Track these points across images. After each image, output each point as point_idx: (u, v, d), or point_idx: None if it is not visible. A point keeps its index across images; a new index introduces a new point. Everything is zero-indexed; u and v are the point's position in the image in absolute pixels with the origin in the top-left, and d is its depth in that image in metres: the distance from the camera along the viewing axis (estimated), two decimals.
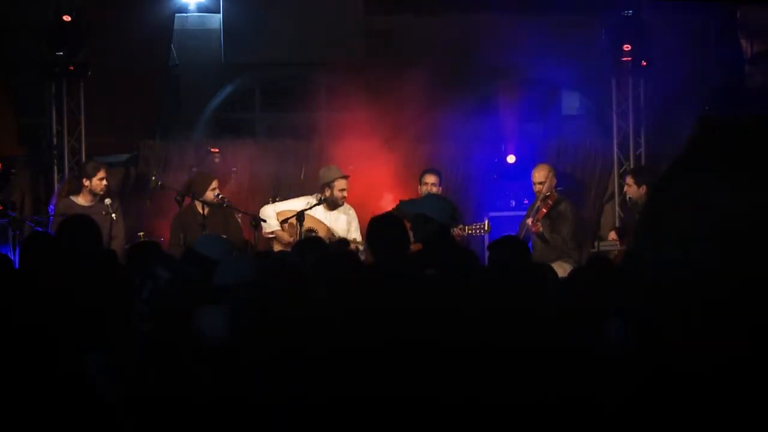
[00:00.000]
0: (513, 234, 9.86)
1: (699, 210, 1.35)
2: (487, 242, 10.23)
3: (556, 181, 9.97)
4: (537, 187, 9.90)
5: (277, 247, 9.46)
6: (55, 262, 4.33)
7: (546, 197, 9.75)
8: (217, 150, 10.81)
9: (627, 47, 11.17)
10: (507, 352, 3.47)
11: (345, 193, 9.65)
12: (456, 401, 3.31)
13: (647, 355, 1.45)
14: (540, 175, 9.94)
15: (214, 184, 9.56)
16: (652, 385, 1.44)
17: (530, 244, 9.71)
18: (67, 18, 10.58)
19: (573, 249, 9.54)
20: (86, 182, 9.51)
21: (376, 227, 6.14)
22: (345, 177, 9.69)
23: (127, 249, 7.19)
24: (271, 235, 9.63)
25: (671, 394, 1.45)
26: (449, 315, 3.72)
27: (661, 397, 1.46)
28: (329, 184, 9.65)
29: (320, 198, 9.65)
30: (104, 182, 9.54)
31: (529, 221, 9.60)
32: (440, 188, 9.97)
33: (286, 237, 9.63)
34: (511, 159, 11.38)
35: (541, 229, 9.53)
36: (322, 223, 9.62)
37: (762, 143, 1.37)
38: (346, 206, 9.82)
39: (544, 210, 9.68)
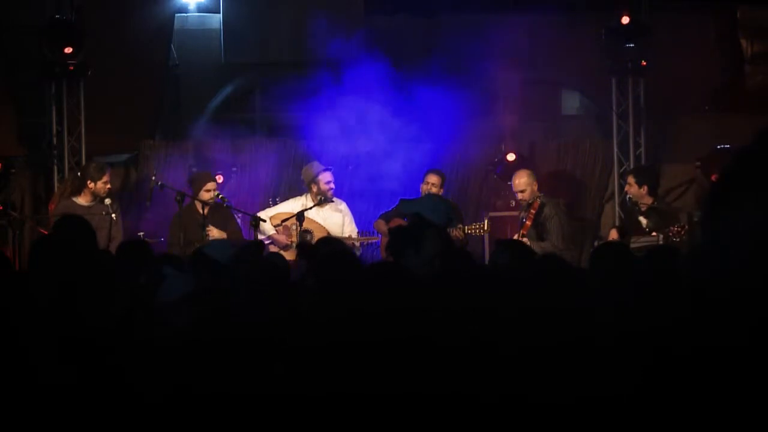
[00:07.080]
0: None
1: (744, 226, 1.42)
2: (486, 242, 10.24)
3: (537, 185, 9.54)
4: (519, 195, 9.49)
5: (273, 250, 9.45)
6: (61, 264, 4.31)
7: (528, 205, 9.38)
8: (221, 179, 10.47)
9: (627, 47, 11.17)
10: (499, 351, 3.47)
11: (332, 185, 9.64)
12: (450, 400, 3.31)
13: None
14: (521, 182, 9.47)
15: (210, 185, 9.50)
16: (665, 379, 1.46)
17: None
18: (67, 18, 10.58)
19: (567, 248, 9.34)
20: (90, 184, 9.46)
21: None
22: (328, 169, 9.69)
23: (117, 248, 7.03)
24: (267, 241, 9.61)
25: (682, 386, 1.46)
26: (441, 314, 3.72)
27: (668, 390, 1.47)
28: (314, 180, 9.67)
29: (320, 198, 9.63)
30: (108, 185, 9.51)
31: (515, 237, 9.25)
32: (443, 188, 9.94)
33: (283, 240, 9.63)
34: (511, 159, 11.36)
35: (528, 243, 9.24)
36: (317, 222, 9.62)
37: None
38: (337, 201, 9.81)
39: (528, 222, 9.31)
